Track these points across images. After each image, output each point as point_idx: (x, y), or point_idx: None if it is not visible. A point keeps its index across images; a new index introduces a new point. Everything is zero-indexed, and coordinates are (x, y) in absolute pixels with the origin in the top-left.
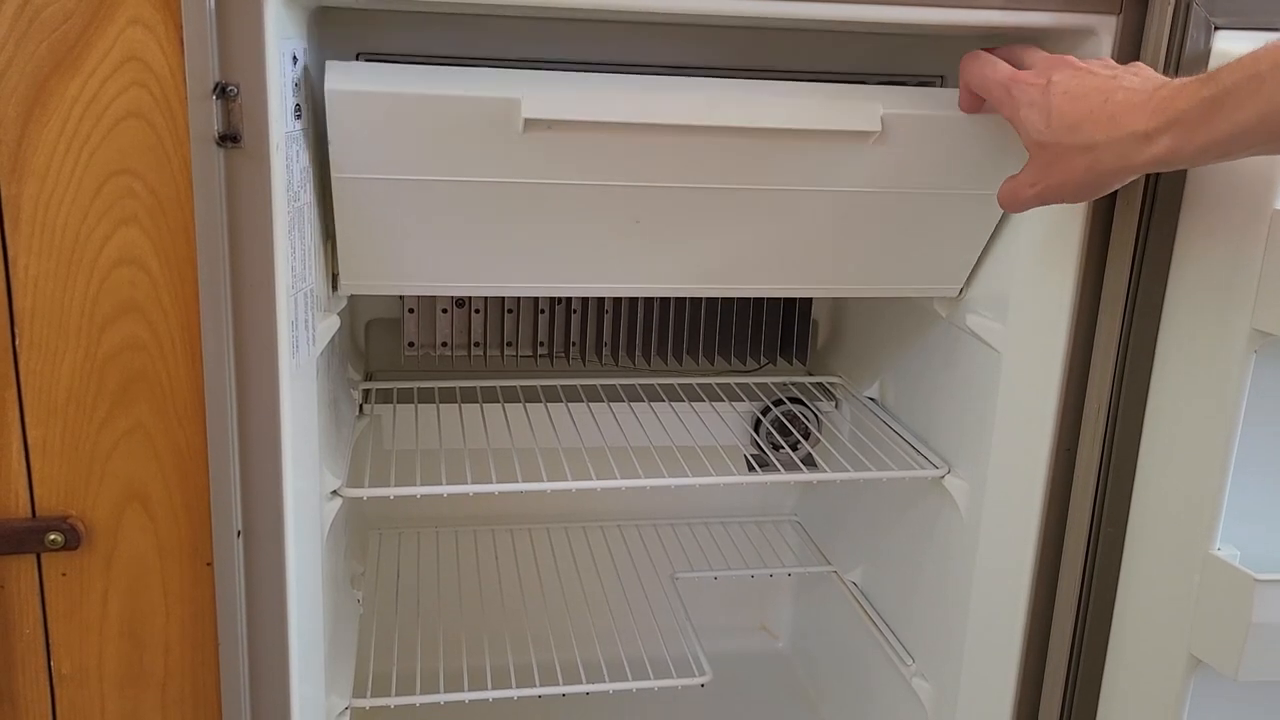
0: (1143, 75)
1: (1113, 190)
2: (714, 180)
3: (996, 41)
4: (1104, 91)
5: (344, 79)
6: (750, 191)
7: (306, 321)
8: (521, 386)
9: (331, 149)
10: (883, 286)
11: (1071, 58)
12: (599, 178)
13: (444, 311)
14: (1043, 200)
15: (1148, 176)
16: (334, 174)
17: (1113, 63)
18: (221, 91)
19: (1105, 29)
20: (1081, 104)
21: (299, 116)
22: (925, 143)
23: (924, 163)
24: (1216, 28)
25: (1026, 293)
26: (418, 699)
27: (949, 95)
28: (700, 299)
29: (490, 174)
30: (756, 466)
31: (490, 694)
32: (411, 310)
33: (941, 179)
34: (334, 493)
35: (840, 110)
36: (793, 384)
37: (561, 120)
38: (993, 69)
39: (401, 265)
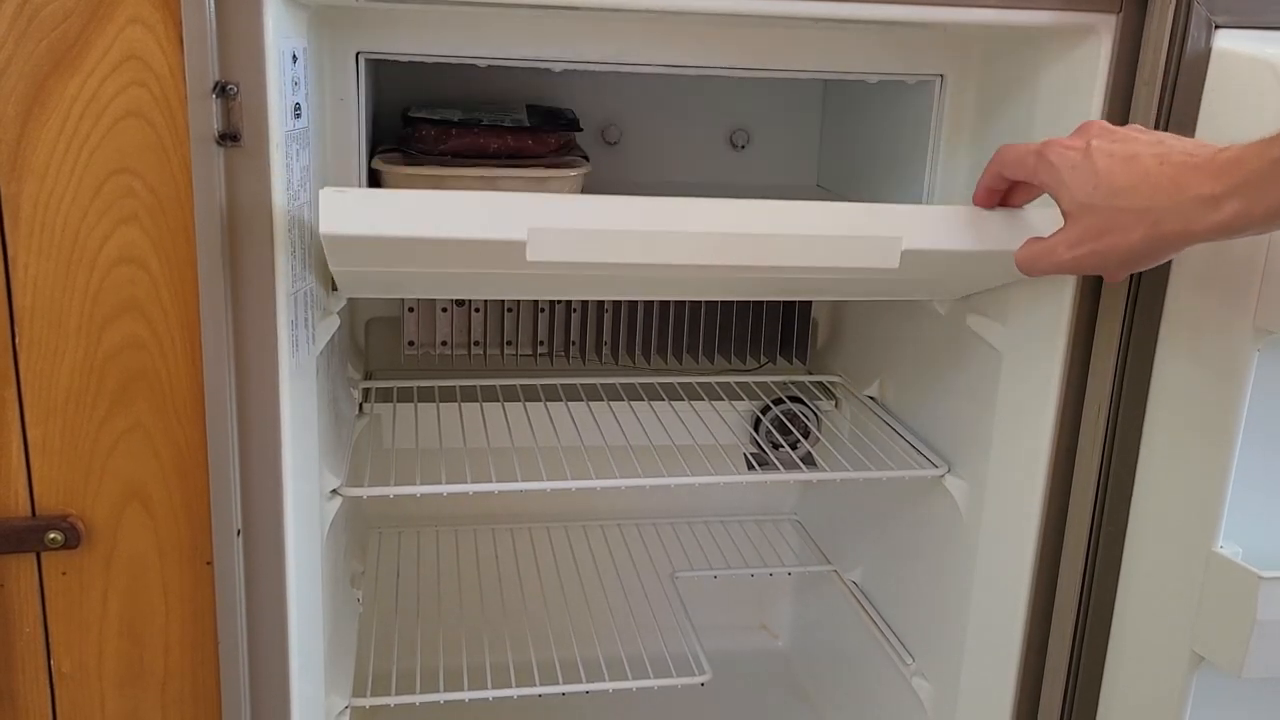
0: (1188, 139)
1: (1164, 261)
2: (725, 272)
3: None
4: (1158, 155)
5: (339, 219)
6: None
7: (306, 320)
8: (521, 386)
9: (330, 261)
10: (885, 294)
11: (1103, 121)
12: (609, 272)
13: (444, 310)
14: (1080, 265)
15: None
16: (331, 267)
17: (1143, 127)
18: (221, 90)
19: (1105, 27)
20: (1134, 167)
21: (299, 116)
22: (945, 261)
23: (942, 270)
24: (1217, 26)
25: (1027, 292)
26: (417, 698)
27: (975, 218)
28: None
29: (493, 268)
30: (756, 465)
31: (490, 693)
32: (411, 309)
33: (957, 279)
34: (334, 492)
35: (860, 250)
36: (792, 383)
37: (569, 262)
38: (1024, 146)
39: (400, 290)
